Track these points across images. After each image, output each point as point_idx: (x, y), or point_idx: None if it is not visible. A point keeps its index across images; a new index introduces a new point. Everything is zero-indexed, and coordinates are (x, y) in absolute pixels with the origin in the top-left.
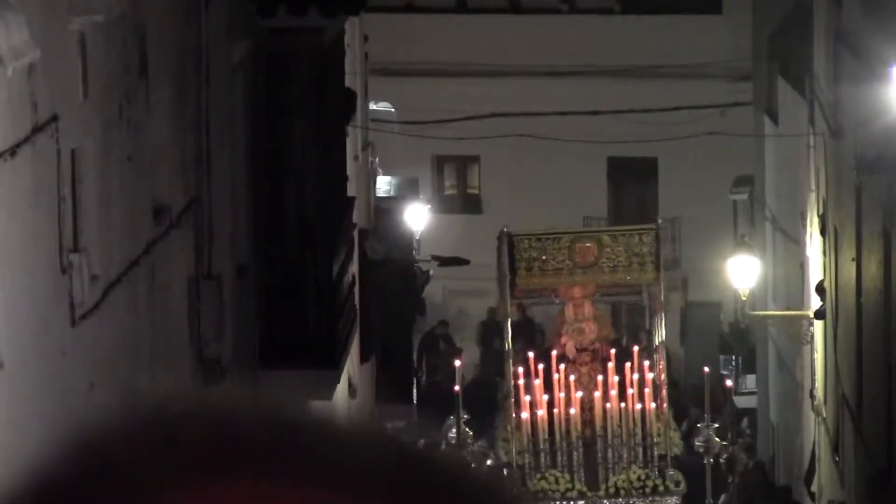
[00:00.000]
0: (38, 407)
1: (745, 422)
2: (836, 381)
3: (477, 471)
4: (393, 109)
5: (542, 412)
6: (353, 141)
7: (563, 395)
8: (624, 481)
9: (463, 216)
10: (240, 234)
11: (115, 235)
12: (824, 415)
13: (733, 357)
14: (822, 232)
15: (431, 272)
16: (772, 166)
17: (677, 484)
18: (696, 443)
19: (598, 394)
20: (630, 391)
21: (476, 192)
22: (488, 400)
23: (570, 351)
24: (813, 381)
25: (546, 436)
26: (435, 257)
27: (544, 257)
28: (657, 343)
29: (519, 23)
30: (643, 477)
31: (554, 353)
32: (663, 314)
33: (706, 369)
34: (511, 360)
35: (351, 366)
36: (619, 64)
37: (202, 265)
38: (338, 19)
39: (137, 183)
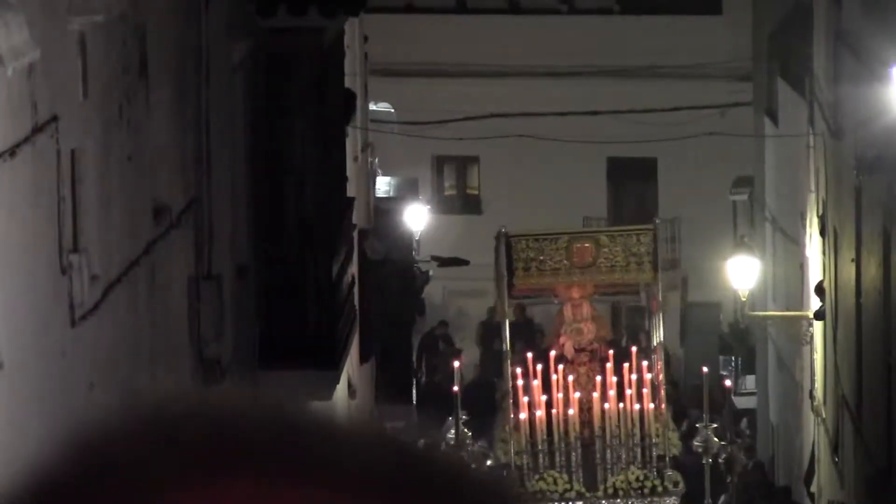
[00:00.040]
0: (38, 407)
1: (744, 422)
2: (835, 382)
3: (477, 471)
4: (393, 110)
5: (540, 413)
6: (352, 141)
7: (561, 395)
8: (622, 482)
9: (462, 216)
10: (240, 234)
11: (115, 235)
12: (824, 415)
13: (733, 357)
14: (822, 232)
15: (431, 272)
16: (771, 167)
17: (676, 484)
18: (695, 443)
19: (596, 394)
20: (628, 392)
21: (476, 192)
22: (488, 400)
23: (569, 351)
24: (812, 381)
25: (544, 436)
26: (434, 258)
27: (542, 257)
28: (655, 343)
29: (518, 23)
30: (641, 477)
31: (552, 353)
32: (661, 314)
33: (705, 369)
34: (509, 361)
35: (350, 366)
36: (618, 64)
37: (202, 265)
38: (338, 19)
39: (137, 183)
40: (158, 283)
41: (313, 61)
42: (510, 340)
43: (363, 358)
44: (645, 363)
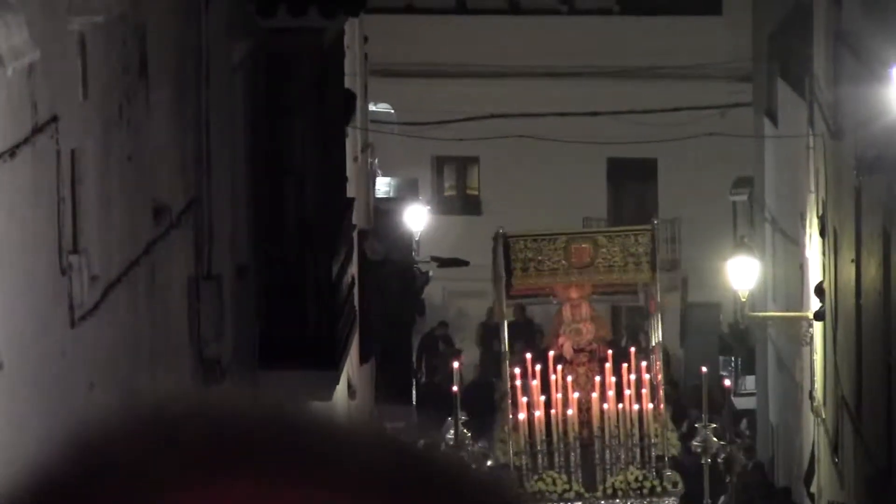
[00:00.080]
0: (38, 407)
1: (744, 422)
2: (835, 382)
3: (477, 471)
4: (392, 110)
5: (539, 413)
6: (352, 142)
7: (560, 395)
8: (621, 482)
9: (462, 217)
10: (240, 234)
11: (115, 236)
12: (824, 416)
13: (733, 358)
14: (822, 233)
15: (431, 273)
16: (771, 167)
17: (675, 485)
18: (694, 443)
19: (595, 395)
20: (627, 392)
21: (475, 193)
22: (488, 401)
23: (568, 352)
24: (812, 382)
25: (543, 437)
26: (434, 258)
27: (540, 258)
28: (654, 343)
29: (518, 24)
30: (641, 478)
31: (551, 353)
32: (660, 315)
33: (704, 369)
34: (508, 362)
35: (350, 366)
36: (618, 65)
37: (202, 265)
38: (337, 20)
39: (137, 183)
40: (158, 284)
41: (313, 61)
42: (509, 341)
43: (363, 358)
44: (644, 363)
